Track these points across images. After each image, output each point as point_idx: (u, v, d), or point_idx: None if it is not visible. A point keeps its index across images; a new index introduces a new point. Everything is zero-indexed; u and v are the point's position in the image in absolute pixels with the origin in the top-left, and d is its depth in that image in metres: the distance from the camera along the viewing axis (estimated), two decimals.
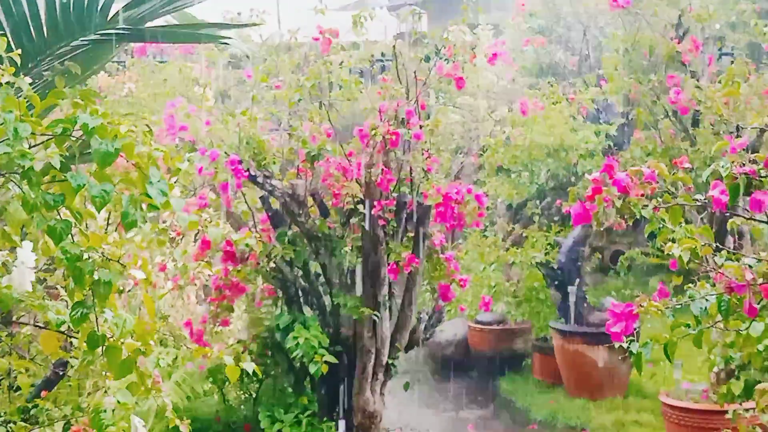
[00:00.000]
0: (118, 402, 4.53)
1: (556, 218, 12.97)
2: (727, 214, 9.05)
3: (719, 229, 8.70)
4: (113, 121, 3.95)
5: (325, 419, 8.62)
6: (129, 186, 3.94)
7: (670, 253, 4.30)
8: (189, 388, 8.74)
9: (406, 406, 11.32)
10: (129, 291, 6.41)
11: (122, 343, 4.22)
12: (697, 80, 9.51)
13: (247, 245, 7.97)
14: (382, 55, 11.04)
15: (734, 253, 4.52)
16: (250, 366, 5.10)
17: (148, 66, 11.87)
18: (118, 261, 4.12)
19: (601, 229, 11.75)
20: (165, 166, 4.10)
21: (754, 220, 4.47)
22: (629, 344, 4.72)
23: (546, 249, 12.22)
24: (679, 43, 10.11)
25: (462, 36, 8.98)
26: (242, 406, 9.37)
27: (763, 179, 4.20)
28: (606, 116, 11.88)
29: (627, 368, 11.75)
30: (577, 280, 11.90)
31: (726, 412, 7.29)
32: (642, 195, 4.39)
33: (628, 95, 10.82)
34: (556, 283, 12.15)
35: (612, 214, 4.43)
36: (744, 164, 4.24)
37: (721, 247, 4.53)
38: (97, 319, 4.15)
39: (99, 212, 4.10)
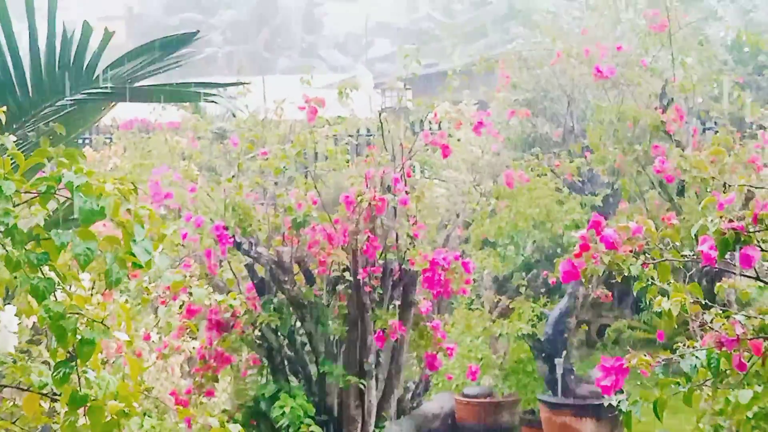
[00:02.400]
0: None
1: (542, 290, 12.94)
2: (716, 270, 9.10)
3: (705, 297, 8.69)
4: (98, 180, 3.93)
5: None
6: (113, 245, 3.92)
7: (659, 308, 4.27)
8: None
9: None
10: (113, 362, 6.36)
11: (106, 404, 4.17)
12: (682, 149, 9.54)
13: (231, 306, 7.91)
14: (368, 130, 11.12)
15: (724, 311, 4.50)
16: (235, 428, 5.04)
17: (134, 138, 11.89)
18: (101, 322, 4.08)
19: (588, 298, 11.73)
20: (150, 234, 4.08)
21: (744, 276, 4.46)
22: (619, 403, 4.67)
23: (533, 321, 12.17)
24: (663, 113, 10.16)
25: (446, 109, 9.07)
26: None
27: (751, 234, 4.19)
28: (591, 187, 11.90)
29: None
30: (564, 352, 11.85)
31: None
32: (630, 251, 4.39)
33: (613, 166, 10.85)
34: (543, 355, 12.09)
35: (600, 270, 4.41)
36: (732, 220, 4.24)
37: (710, 304, 4.52)
38: (79, 379, 4.10)
39: (83, 270, 4.06)
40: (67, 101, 5.26)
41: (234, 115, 9.56)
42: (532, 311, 12.23)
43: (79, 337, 3.91)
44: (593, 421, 11.48)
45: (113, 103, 5.96)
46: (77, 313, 3.92)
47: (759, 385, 6.01)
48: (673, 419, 10.60)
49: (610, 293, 12.69)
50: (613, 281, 4.61)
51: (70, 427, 4.30)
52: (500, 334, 12.15)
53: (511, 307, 12.48)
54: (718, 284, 5.31)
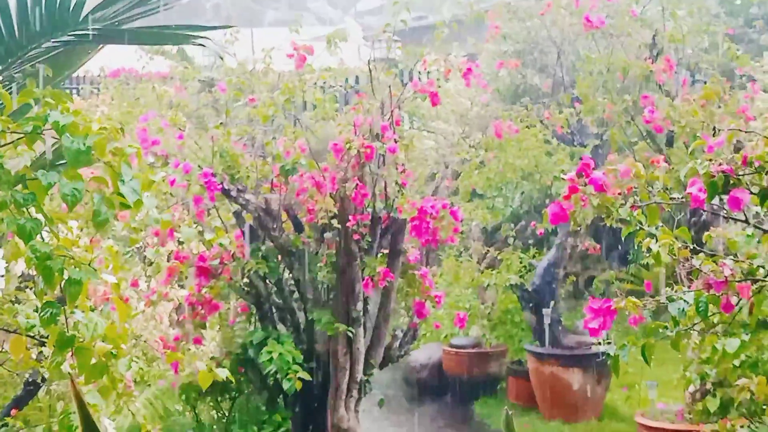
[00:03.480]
0: (88, 403, 4.46)
1: (531, 241, 12.98)
2: (704, 221, 9.11)
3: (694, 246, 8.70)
4: (85, 119, 3.90)
5: None
6: (100, 185, 3.90)
7: (647, 251, 4.27)
8: (161, 406, 8.64)
9: (380, 430, 11.25)
10: (101, 309, 6.35)
11: (94, 345, 4.17)
12: (672, 100, 9.51)
13: (221, 245, 7.89)
14: (357, 79, 11.05)
15: (712, 255, 4.49)
16: (223, 372, 5.04)
17: (121, 85, 11.82)
18: (89, 264, 4.07)
19: (577, 249, 11.71)
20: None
21: (732, 219, 4.46)
22: (606, 347, 4.68)
23: (521, 272, 12.21)
24: (653, 63, 10.12)
25: (435, 57, 9.02)
26: (215, 426, 9.27)
27: (740, 177, 4.18)
28: (580, 138, 11.89)
29: (602, 391, 11.74)
30: (552, 303, 11.90)
31: None
32: (619, 194, 4.37)
33: (602, 116, 10.81)
34: (531, 305, 12.14)
35: (589, 214, 4.40)
36: (721, 163, 4.23)
37: (698, 249, 4.51)
38: (66, 320, 4.10)
39: (71, 210, 4.05)
40: (54, 43, 5.21)
41: (221, 58, 9.50)
42: (521, 262, 12.29)
43: (66, 277, 3.89)
44: (580, 371, 11.55)
45: (100, 46, 5.90)
46: (64, 255, 3.91)
47: (746, 334, 6.05)
48: (660, 369, 10.67)
49: (598, 245, 12.73)
50: (603, 225, 4.59)
51: (56, 369, 4.30)
52: (488, 285, 12.20)
53: (499, 258, 12.53)
54: (706, 233, 5.31)
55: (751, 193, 4.20)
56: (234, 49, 9.71)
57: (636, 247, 14.51)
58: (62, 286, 3.93)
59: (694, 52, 11.64)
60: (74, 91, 15.69)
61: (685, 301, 4.34)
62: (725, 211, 4.39)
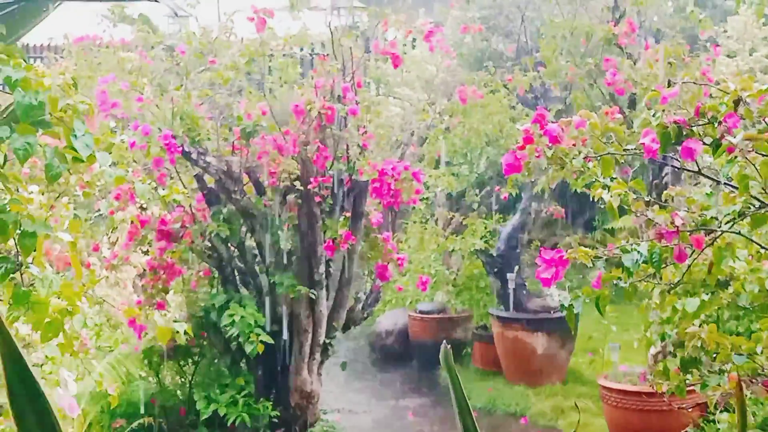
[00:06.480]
0: (46, 356, 4.47)
1: (495, 207, 13.00)
2: (665, 183, 9.13)
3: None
4: (38, 74, 3.88)
5: (261, 399, 8.54)
6: (54, 139, 3.89)
7: (600, 198, 4.27)
8: (124, 372, 8.61)
9: (346, 395, 11.27)
10: (62, 275, 6.33)
11: (49, 301, 4.16)
12: (634, 63, 9.52)
13: (176, 201, 7.83)
14: (323, 45, 11.02)
15: (666, 207, 4.49)
16: (181, 327, 5.05)
17: (83, 51, 11.73)
18: (45, 221, 4.06)
19: (541, 214, 11.69)
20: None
21: (685, 169, 4.47)
22: (561, 299, 4.69)
23: (486, 237, 12.24)
24: (615, 26, 10.13)
25: (397, 19, 9.00)
26: (178, 391, 9.26)
27: (693, 128, 4.18)
28: (544, 102, 11.90)
29: (566, 355, 11.78)
30: (516, 267, 11.93)
31: (663, 394, 7.32)
32: (573, 145, 4.37)
33: (565, 80, 10.82)
34: (496, 270, 12.17)
35: (543, 164, 4.39)
36: (675, 113, 4.23)
37: (655, 201, 4.51)
38: (22, 276, 4.08)
39: (22, 165, 4.03)
40: (6, 1, 5.15)
41: (176, 14, 9.44)
42: (485, 228, 12.30)
43: (20, 231, 3.88)
44: (544, 335, 11.59)
45: (57, 3, 5.83)
46: (19, 211, 3.90)
47: (706, 294, 6.06)
48: (625, 334, 10.72)
49: (562, 210, 12.77)
50: (568, 191, 4.57)
51: (11, 325, 4.29)
52: (453, 250, 12.23)
53: (464, 223, 12.55)
54: (665, 192, 5.32)
55: (704, 144, 4.20)
56: (197, 13, 9.65)
57: (601, 213, 14.61)
58: (17, 240, 3.92)
59: (658, 18, 11.66)
60: (38, 59, 15.65)
61: (639, 252, 4.33)
62: (678, 162, 4.40)
